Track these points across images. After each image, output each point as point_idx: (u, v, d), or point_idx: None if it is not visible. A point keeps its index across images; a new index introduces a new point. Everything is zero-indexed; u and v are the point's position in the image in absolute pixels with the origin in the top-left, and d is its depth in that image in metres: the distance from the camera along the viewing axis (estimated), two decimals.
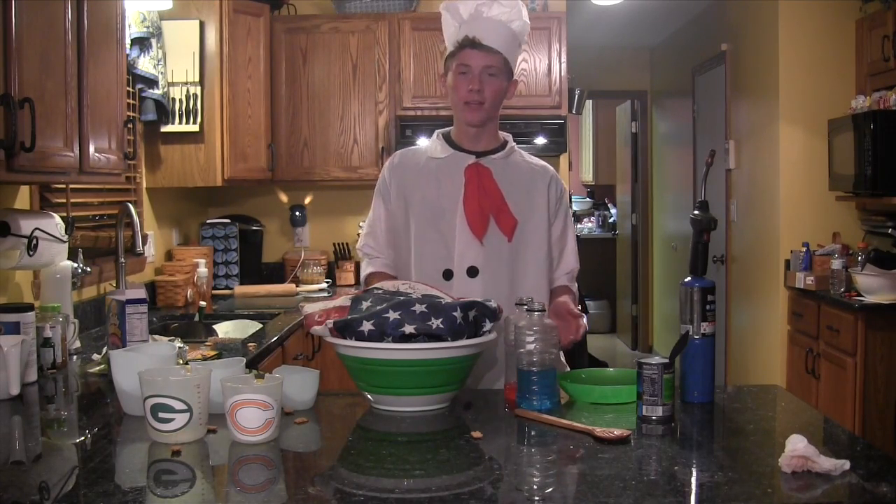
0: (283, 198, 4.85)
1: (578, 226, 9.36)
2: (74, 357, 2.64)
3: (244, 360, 2.02)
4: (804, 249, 4.59)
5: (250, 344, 2.90)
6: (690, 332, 1.92)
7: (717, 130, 5.93)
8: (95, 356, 2.59)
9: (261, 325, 3.41)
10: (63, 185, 3.02)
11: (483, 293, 2.09)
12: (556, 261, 2.35)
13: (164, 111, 3.82)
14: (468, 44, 2.20)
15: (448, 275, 2.21)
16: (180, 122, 3.91)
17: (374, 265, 2.35)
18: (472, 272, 2.21)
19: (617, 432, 1.66)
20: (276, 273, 4.75)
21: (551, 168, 2.38)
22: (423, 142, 4.53)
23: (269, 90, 4.38)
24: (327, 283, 4.60)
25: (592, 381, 2.03)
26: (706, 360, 1.93)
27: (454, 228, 2.22)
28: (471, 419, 1.89)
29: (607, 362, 6.30)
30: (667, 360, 1.78)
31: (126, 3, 2.88)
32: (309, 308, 1.97)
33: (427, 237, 2.24)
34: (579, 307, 2.26)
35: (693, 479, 1.51)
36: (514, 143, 2.36)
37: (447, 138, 2.33)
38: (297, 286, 4.44)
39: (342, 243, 4.72)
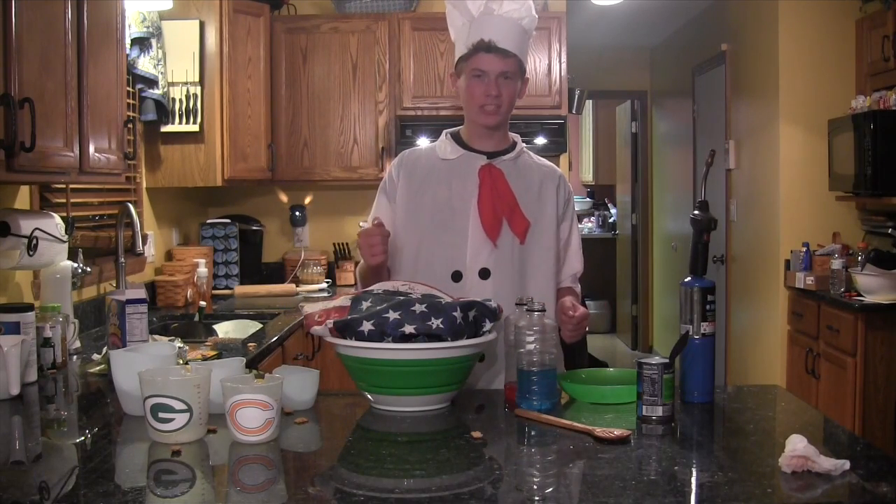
0: (283, 198, 4.85)
1: (578, 225, 9.36)
2: (74, 357, 2.64)
3: (244, 360, 2.02)
4: (804, 249, 4.59)
5: (250, 344, 2.90)
6: (690, 332, 1.92)
7: (717, 130, 5.93)
8: (95, 356, 2.59)
9: (261, 325, 3.41)
10: (63, 185, 3.02)
11: (493, 295, 2.07)
12: (561, 262, 2.34)
13: (164, 111, 3.82)
14: (483, 48, 2.15)
15: (457, 276, 2.18)
16: (180, 122, 3.90)
17: None
18: (484, 274, 2.18)
19: (617, 432, 1.66)
20: (276, 273, 4.75)
21: (559, 169, 2.37)
22: (423, 142, 4.55)
23: (269, 90, 4.38)
24: (327, 283, 4.60)
25: (592, 381, 2.03)
26: (706, 360, 1.93)
27: (466, 230, 2.19)
28: (471, 419, 1.89)
29: (607, 362, 6.30)
30: (667, 360, 1.78)
31: (126, 3, 2.88)
32: (309, 308, 1.97)
33: (436, 238, 2.20)
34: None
35: (693, 479, 1.51)
36: (523, 144, 2.34)
37: (456, 138, 2.29)
38: (297, 286, 4.44)
39: (342, 243, 4.72)
